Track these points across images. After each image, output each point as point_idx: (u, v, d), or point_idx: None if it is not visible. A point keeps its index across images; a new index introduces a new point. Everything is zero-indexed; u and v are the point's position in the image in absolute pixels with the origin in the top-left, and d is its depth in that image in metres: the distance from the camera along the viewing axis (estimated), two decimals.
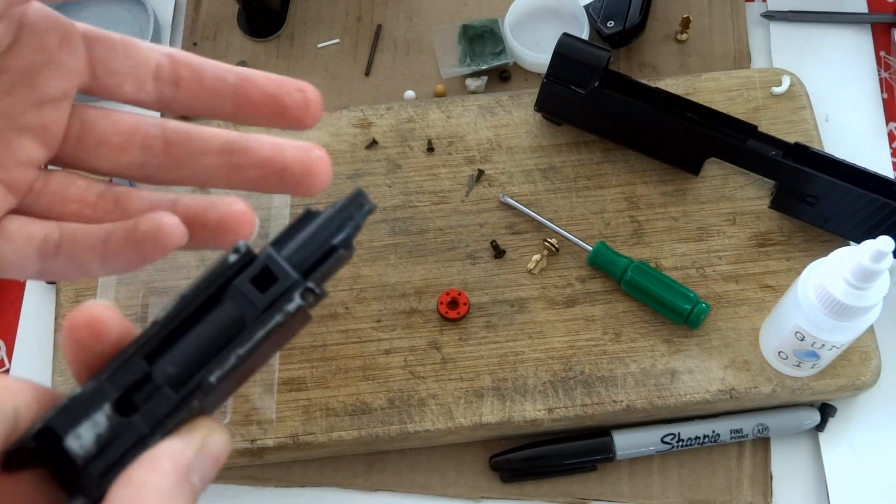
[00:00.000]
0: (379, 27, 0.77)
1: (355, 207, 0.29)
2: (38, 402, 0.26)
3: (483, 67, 0.73)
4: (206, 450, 0.26)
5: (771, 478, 0.61)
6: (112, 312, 0.26)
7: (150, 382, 0.26)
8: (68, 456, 0.25)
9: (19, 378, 0.26)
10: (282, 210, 0.64)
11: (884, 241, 0.47)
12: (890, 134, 0.72)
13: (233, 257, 0.27)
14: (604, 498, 0.61)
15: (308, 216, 0.29)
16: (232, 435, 0.58)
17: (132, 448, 0.25)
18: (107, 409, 0.26)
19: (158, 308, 0.62)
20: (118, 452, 0.25)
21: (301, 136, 0.68)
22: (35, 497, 0.26)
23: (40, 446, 0.25)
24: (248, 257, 0.28)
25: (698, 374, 0.60)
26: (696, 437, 0.60)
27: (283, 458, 0.60)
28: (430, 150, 0.67)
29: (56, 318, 0.62)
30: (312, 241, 0.28)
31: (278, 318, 0.27)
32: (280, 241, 0.28)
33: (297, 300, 0.27)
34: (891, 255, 0.47)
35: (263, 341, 0.27)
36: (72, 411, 0.25)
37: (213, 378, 0.26)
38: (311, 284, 0.28)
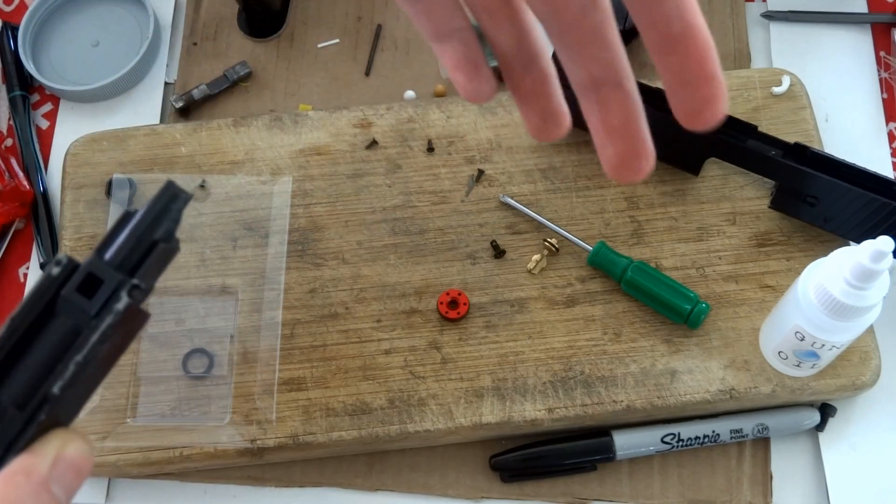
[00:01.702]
0: (379, 27, 0.77)
1: (170, 200, 0.29)
2: None
3: None
4: (63, 459, 0.26)
5: (771, 478, 0.61)
6: None
7: None
8: None
9: None
10: (282, 210, 0.65)
11: (884, 241, 0.47)
12: (890, 134, 0.72)
13: (55, 270, 0.28)
14: (604, 498, 0.61)
15: (126, 217, 0.29)
16: (231, 435, 0.58)
17: None
18: None
19: (158, 308, 0.62)
20: None
21: (301, 138, 0.69)
22: None
23: None
24: (70, 267, 0.28)
25: (698, 374, 0.60)
26: (696, 437, 0.60)
27: (283, 458, 0.60)
28: (430, 150, 0.67)
29: None
30: (132, 240, 0.28)
31: (109, 319, 0.27)
32: (102, 247, 0.28)
33: (125, 299, 0.27)
34: (891, 255, 0.47)
35: (100, 344, 0.27)
36: None
37: (55, 389, 0.26)
38: (136, 281, 0.28)
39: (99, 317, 0.27)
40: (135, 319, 0.28)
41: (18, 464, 0.25)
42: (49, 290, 0.27)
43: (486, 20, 0.32)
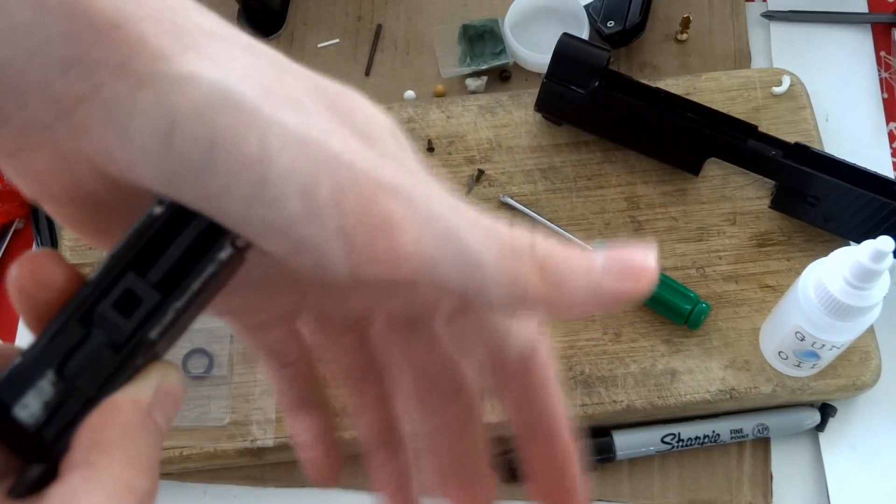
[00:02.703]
0: (379, 27, 0.77)
1: None
2: None
3: (483, 67, 0.73)
4: (163, 389, 0.26)
5: (771, 478, 0.61)
6: (56, 258, 0.26)
7: (89, 344, 0.26)
8: (17, 424, 0.25)
9: None
10: None
11: (884, 241, 0.47)
12: (890, 134, 0.72)
13: (157, 209, 0.26)
14: (604, 498, 0.61)
15: None
16: (231, 435, 0.58)
17: (81, 410, 0.26)
18: (50, 375, 0.26)
19: None
20: (68, 416, 0.26)
21: None
22: None
23: None
24: (173, 209, 0.27)
25: (698, 374, 0.60)
26: (696, 437, 0.60)
27: (283, 459, 0.60)
28: (430, 150, 0.67)
29: None
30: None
31: (211, 268, 0.27)
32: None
33: (228, 248, 0.27)
34: (891, 255, 0.47)
35: (201, 292, 0.27)
36: (16, 381, 0.26)
37: (153, 335, 0.26)
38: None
39: (201, 263, 0.27)
40: (234, 266, 0.28)
41: (124, 391, 0.26)
42: (149, 231, 0.27)
43: (351, 393, 0.33)
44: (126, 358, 0.26)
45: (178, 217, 0.27)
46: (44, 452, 0.26)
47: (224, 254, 0.27)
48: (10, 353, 0.26)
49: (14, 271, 0.26)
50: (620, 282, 0.26)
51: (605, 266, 0.26)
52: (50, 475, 0.25)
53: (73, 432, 0.25)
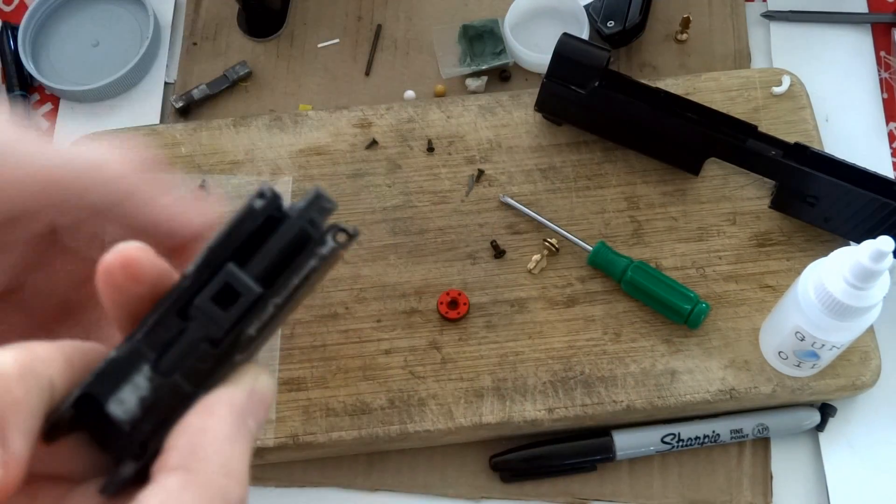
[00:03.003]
0: (379, 27, 0.77)
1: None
2: (70, 366, 0.25)
3: (483, 67, 0.73)
4: (256, 393, 0.26)
5: (771, 478, 0.61)
6: (147, 252, 0.26)
7: (186, 338, 0.25)
8: (111, 421, 0.25)
9: (47, 342, 0.25)
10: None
11: (884, 241, 0.47)
12: (890, 134, 0.72)
13: (259, 203, 0.26)
14: (604, 498, 0.61)
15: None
16: None
17: (177, 407, 0.25)
18: (146, 370, 0.25)
19: None
20: (163, 413, 0.25)
21: (301, 138, 0.69)
22: (75, 463, 0.26)
23: (79, 413, 0.25)
24: (274, 201, 0.27)
25: (698, 374, 0.60)
26: (696, 437, 0.60)
27: (283, 458, 0.60)
28: (430, 150, 0.67)
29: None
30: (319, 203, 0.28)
31: (312, 262, 0.26)
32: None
33: (329, 243, 0.26)
34: (891, 255, 0.47)
35: (300, 288, 0.26)
36: (110, 375, 0.25)
37: (252, 330, 0.25)
38: (342, 225, 0.27)
39: (303, 256, 0.26)
40: (331, 263, 0.27)
41: (221, 394, 0.25)
42: (251, 223, 0.26)
43: None
44: (224, 353, 0.25)
45: (277, 210, 0.26)
46: (138, 451, 0.25)
47: (325, 249, 0.26)
48: (102, 352, 0.26)
49: (104, 264, 0.25)
50: (176, 221, 0.29)
51: (168, 202, 0.29)
52: (141, 475, 0.24)
53: (168, 432, 0.24)
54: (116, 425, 0.25)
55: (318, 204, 0.26)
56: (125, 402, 0.25)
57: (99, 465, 0.26)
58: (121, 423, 0.25)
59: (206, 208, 0.30)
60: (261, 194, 0.26)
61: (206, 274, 0.26)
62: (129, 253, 0.25)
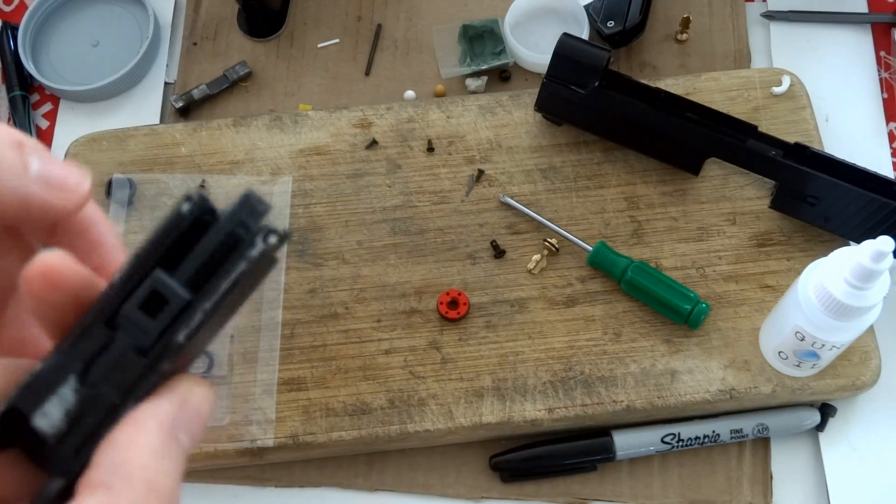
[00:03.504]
0: (379, 27, 0.77)
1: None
2: (3, 378, 0.25)
3: (483, 67, 0.73)
4: (188, 406, 0.25)
5: (771, 478, 0.61)
6: (67, 260, 0.25)
7: (114, 348, 0.24)
8: (37, 435, 0.24)
9: None
10: (282, 210, 0.65)
11: (884, 241, 0.47)
12: (890, 134, 0.72)
13: (185, 206, 0.25)
14: (604, 498, 0.61)
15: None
16: (231, 435, 0.58)
17: (105, 419, 0.24)
18: (72, 381, 0.24)
19: None
20: (90, 426, 0.24)
21: (301, 138, 0.68)
22: (8, 477, 0.25)
23: (6, 428, 0.24)
24: (202, 206, 0.26)
25: (698, 374, 0.60)
26: (696, 437, 0.60)
27: (283, 458, 0.60)
28: (430, 150, 0.67)
29: None
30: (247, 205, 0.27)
31: (241, 266, 0.25)
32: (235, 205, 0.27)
33: (259, 245, 0.25)
34: (891, 255, 0.47)
35: (229, 291, 0.25)
36: (36, 388, 0.24)
37: (181, 337, 0.24)
38: (272, 227, 0.26)
39: (230, 262, 0.25)
40: (265, 266, 0.26)
41: (148, 408, 0.24)
42: (174, 232, 0.25)
43: None
44: (152, 362, 0.24)
45: (207, 215, 0.25)
46: (64, 465, 0.24)
47: (255, 251, 0.25)
48: (29, 367, 0.25)
49: (25, 274, 0.24)
50: (49, 192, 0.26)
51: (38, 173, 0.26)
52: (69, 491, 0.23)
53: (95, 443, 0.23)
54: (43, 439, 0.24)
55: (249, 206, 0.25)
56: (50, 414, 0.24)
57: (35, 485, 0.25)
58: (46, 436, 0.24)
59: (77, 177, 0.27)
60: (188, 198, 0.25)
61: (133, 281, 0.25)
62: (48, 262, 0.24)
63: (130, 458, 0.23)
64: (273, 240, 0.25)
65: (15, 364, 0.26)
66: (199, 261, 0.25)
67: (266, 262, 0.26)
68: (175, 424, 0.24)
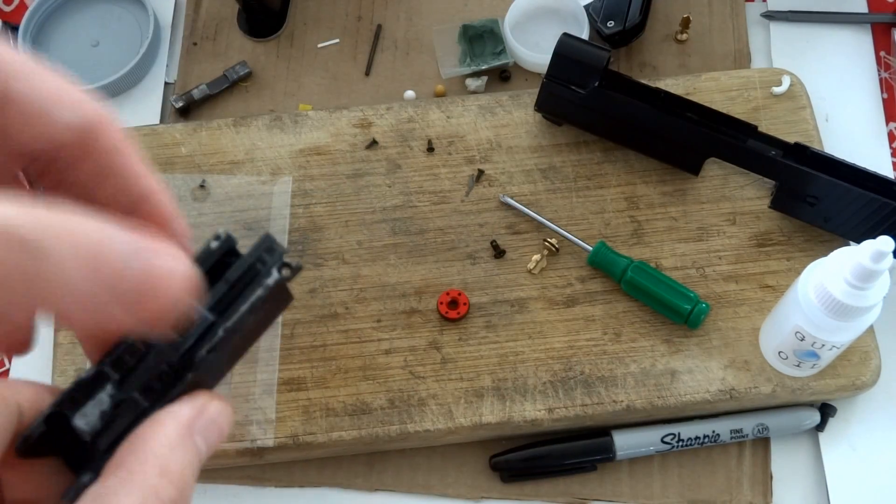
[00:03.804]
0: (379, 27, 0.77)
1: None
2: (39, 398, 0.27)
3: (483, 67, 0.73)
4: (206, 413, 0.27)
5: (771, 478, 0.61)
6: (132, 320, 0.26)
7: (147, 361, 0.28)
8: (77, 436, 0.27)
9: (19, 379, 0.27)
10: (282, 210, 0.65)
11: (884, 241, 0.47)
12: (890, 134, 0.72)
13: (214, 244, 0.30)
14: (604, 498, 0.61)
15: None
16: (232, 434, 0.58)
17: (134, 420, 0.27)
18: (109, 388, 0.28)
19: None
20: (122, 425, 0.27)
21: (301, 138, 0.68)
22: (49, 485, 0.27)
23: (50, 430, 0.27)
24: (228, 244, 0.30)
25: (698, 374, 0.60)
26: (696, 437, 0.60)
27: (283, 458, 0.60)
28: (430, 150, 0.67)
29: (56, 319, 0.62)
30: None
31: (259, 292, 0.29)
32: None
33: (275, 274, 0.30)
34: (891, 255, 0.47)
35: (249, 314, 0.29)
36: (77, 394, 0.27)
37: (203, 352, 0.28)
38: (287, 260, 0.30)
39: (249, 288, 0.30)
40: (281, 298, 0.31)
41: (169, 409, 0.27)
42: (208, 262, 0.30)
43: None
44: (179, 373, 0.28)
45: (231, 251, 0.31)
46: (95, 462, 0.27)
47: (270, 280, 0.30)
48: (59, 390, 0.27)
49: (81, 331, 0.28)
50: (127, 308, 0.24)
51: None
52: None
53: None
54: (81, 439, 0.27)
55: (267, 244, 0.30)
56: (88, 415, 0.27)
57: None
58: (83, 434, 0.27)
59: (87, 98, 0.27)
60: (217, 237, 0.30)
61: None
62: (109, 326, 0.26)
63: (147, 446, 0.26)
64: (286, 272, 0.30)
65: (52, 387, 0.28)
66: (223, 289, 0.29)
67: (281, 292, 0.30)
68: (192, 426, 0.27)
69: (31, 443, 0.26)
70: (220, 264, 0.30)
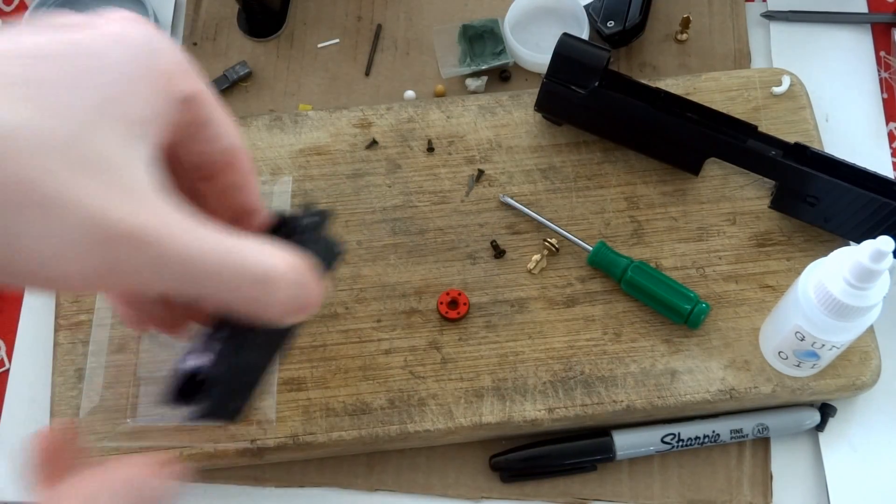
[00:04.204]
0: (379, 27, 0.77)
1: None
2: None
3: (483, 67, 0.73)
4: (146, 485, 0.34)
5: (771, 478, 0.61)
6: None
7: (249, 335, 0.36)
8: (198, 381, 0.36)
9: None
10: (283, 198, 0.65)
11: (884, 241, 0.47)
12: (890, 134, 0.72)
13: (306, 220, 0.37)
14: (604, 498, 0.61)
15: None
16: (231, 435, 0.58)
17: (234, 362, 0.37)
18: (217, 346, 0.36)
19: None
20: (228, 369, 0.36)
21: (301, 138, 0.68)
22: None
23: (185, 380, 0.36)
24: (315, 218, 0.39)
25: (698, 374, 0.60)
26: (696, 437, 0.60)
27: (283, 458, 0.60)
28: (430, 150, 0.67)
29: (56, 318, 0.62)
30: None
31: (307, 224, 0.38)
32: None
33: (308, 218, 0.38)
34: (891, 255, 0.47)
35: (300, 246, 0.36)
36: (196, 350, 0.37)
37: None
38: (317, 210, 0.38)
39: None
40: (323, 239, 0.39)
41: (126, 463, 0.35)
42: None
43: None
44: (275, 336, 0.39)
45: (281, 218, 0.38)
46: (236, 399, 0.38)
47: (305, 220, 0.38)
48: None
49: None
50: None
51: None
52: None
53: (235, 380, 0.37)
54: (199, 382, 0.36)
55: (306, 208, 0.39)
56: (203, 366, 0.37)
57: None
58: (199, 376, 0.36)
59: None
60: (308, 212, 0.38)
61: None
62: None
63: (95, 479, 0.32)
64: (317, 218, 0.38)
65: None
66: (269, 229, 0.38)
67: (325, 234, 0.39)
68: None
69: (176, 391, 0.35)
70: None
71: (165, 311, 0.38)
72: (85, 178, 0.27)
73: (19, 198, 0.25)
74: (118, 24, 0.31)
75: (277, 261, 0.31)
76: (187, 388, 0.36)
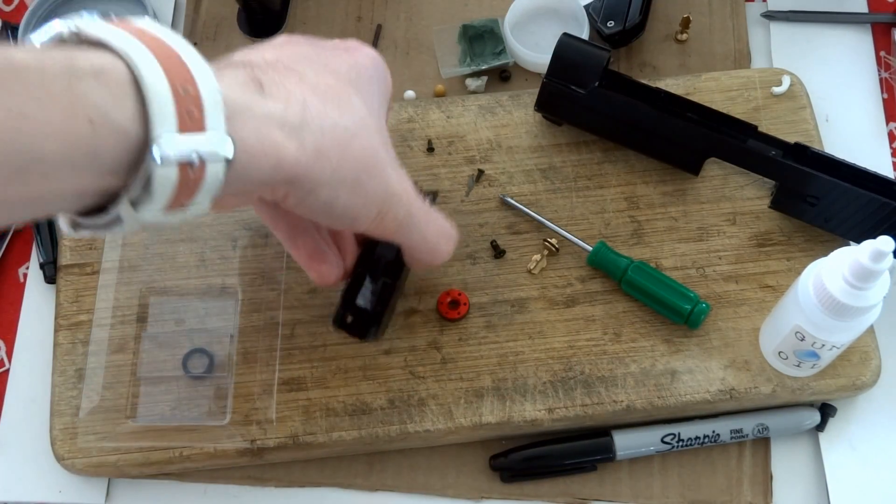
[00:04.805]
0: (379, 27, 0.77)
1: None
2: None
3: (483, 67, 0.73)
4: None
5: (771, 478, 0.61)
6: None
7: (381, 261, 0.54)
8: (360, 309, 0.54)
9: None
10: None
11: (884, 241, 0.47)
12: (890, 134, 0.72)
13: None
14: (604, 498, 0.61)
15: None
16: (231, 435, 0.58)
17: (388, 292, 0.55)
18: (367, 281, 0.54)
19: (158, 308, 0.62)
20: (384, 298, 0.54)
21: None
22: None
23: (346, 310, 0.54)
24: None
25: (698, 374, 0.60)
26: (696, 437, 0.60)
27: (283, 458, 0.60)
28: (430, 150, 0.67)
29: (56, 318, 0.62)
30: None
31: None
32: None
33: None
34: (891, 255, 0.47)
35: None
36: (353, 288, 0.54)
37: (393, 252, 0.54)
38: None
39: None
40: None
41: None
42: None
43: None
44: (397, 262, 0.54)
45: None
46: (375, 323, 0.54)
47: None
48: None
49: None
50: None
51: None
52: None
53: (385, 303, 0.54)
54: (364, 310, 0.53)
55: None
56: (364, 297, 0.53)
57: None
58: (365, 307, 0.53)
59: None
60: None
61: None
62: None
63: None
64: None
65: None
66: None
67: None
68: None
69: (339, 320, 0.52)
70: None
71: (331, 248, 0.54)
72: (385, 153, 0.45)
73: (367, 161, 0.43)
74: (365, 50, 0.49)
75: (452, 226, 0.52)
76: (351, 319, 0.52)
